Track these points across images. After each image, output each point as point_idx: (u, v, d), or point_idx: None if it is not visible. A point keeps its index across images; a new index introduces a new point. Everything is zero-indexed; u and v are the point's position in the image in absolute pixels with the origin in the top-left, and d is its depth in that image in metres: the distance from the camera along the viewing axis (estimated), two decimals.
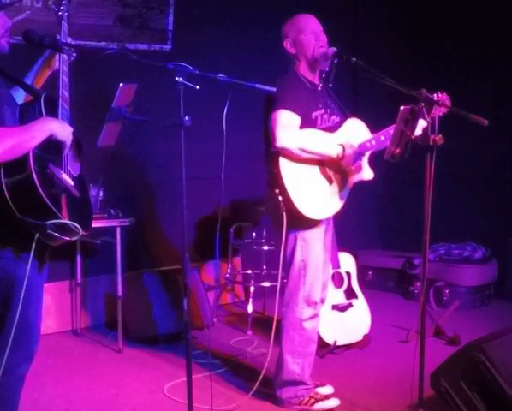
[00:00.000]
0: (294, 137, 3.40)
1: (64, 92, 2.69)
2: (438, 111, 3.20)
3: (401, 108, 3.16)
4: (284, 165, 3.44)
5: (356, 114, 3.75)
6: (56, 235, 2.39)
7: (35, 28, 2.93)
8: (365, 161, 3.60)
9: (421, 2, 6.20)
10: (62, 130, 2.53)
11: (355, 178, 3.59)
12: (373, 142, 3.56)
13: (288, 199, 3.43)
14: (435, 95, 3.33)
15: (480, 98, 5.30)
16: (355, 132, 3.59)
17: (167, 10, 5.13)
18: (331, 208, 3.56)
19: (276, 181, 3.45)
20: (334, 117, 3.62)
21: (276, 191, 3.46)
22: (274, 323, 3.60)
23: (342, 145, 3.48)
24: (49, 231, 2.37)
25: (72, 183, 2.55)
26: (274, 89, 3.16)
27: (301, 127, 3.46)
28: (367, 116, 3.73)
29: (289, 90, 3.39)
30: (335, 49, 3.47)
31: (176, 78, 2.78)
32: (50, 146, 2.47)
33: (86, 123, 4.61)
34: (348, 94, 5.89)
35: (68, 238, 2.45)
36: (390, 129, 3.50)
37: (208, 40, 5.28)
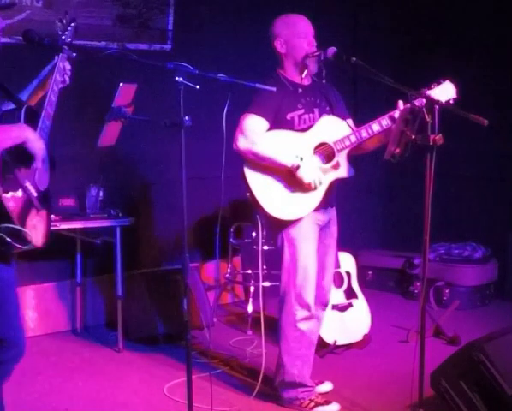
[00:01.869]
0: (250, 142, 3.42)
1: (49, 109, 2.68)
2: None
3: (402, 107, 3.17)
4: (248, 167, 3.48)
5: (356, 113, 3.75)
6: (8, 239, 2.39)
7: (35, 28, 2.94)
8: (342, 158, 3.55)
9: (422, 2, 6.20)
10: (35, 141, 2.51)
11: (331, 176, 3.54)
12: (353, 138, 3.50)
13: (254, 200, 3.48)
14: (434, 84, 3.33)
15: (480, 97, 5.30)
16: (332, 129, 3.54)
17: (167, 10, 5.13)
18: (304, 207, 3.50)
19: (243, 182, 3.49)
20: (325, 115, 3.59)
21: (248, 194, 3.51)
22: (262, 322, 3.61)
23: (301, 158, 3.44)
24: (1, 234, 2.37)
25: (35, 194, 2.54)
26: (274, 89, 3.18)
27: (277, 128, 3.48)
28: (367, 115, 3.71)
29: (262, 94, 3.34)
30: (334, 49, 3.46)
31: (176, 78, 2.78)
32: (21, 154, 2.46)
33: (86, 123, 4.65)
34: (347, 94, 5.88)
35: (19, 246, 2.44)
36: (373, 123, 3.48)
37: (208, 40, 5.28)
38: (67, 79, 2.83)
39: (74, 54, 2.85)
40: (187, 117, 2.80)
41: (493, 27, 5.75)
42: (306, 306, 3.55)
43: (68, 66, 2.83)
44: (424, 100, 3.15)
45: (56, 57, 2.79)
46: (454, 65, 5.62)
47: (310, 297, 3.55)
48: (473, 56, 5.79)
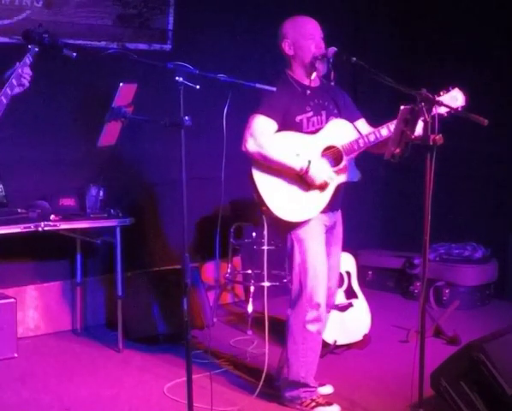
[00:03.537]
0: (259, 144, 3.42)
1: None
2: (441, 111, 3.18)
3: (402, 108, 3.16)
4: (256, 168, 3.48)
5: None
6: None
7: (35, 28, 2.95)
8: (349, 162, 3.54)
9: (422, 2, 6.20)
10: None
11: (339, 179, 3.54)
12: (361, 143, 3.50)
13: (261, 201, 3.48)
14: (444, 91, 3.32)
15: (480, 97, 5.30)
16: (340, 133, 3.54)
17: (167, 10, 5.12)
18: (311, 209, 3.51)
19: (250, 182, 3.50)
20: (332, 118, 3.59)
21: (254, 195, 3.51)
22: (266, 322, 3.64)
23: (309, 161, 3.44)
24: None
25: None
26: (274, 89, 3.18)
27: (285, 130, 3.48)
28: (367, 116, 3.72)
29: (272, 95, 3.31)
30: (335, 49, 3.46)
31: (176, 78, 2.78)
32: None
33: (86, 123, 4.65)
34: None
35: None
36: (381, 128, 3.49)
37: (208, 40, 5.28)
38: (25, 82, 2.94)
39: (74, 54, 2.86)
40: (187, 117, 2.80)
41: (493, 27, 5.76)
42: (317, 307, 3.54)
43: (27, 71, 2.94)
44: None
45: (17, 63, 2.87)
46: (454, 65, 5.66)
47: (321, 297, 3.55)
48: (473, 56, 5.79)
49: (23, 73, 2.90)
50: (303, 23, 3.57)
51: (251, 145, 3.44)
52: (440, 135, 3.07)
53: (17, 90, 2.92)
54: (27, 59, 2.89)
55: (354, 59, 3.37)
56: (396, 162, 3.18)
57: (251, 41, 5.41)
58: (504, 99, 5.68)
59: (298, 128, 3.51)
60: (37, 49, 2.92)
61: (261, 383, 3.65)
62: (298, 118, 3.52)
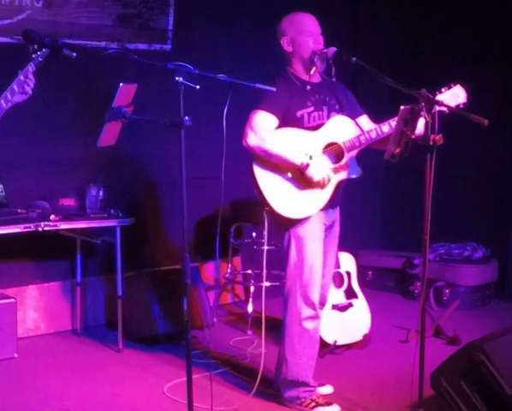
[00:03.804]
0: (260, 138, 3.43)
1: None
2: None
3: (402, 108, 3.16)
4: (257, 164, 3.49)
5: None
6: None
7: (35, 28, 2.95)
8: (351, 159, 3.55)
9: (422, 2, 6.20)
10: None
11: (340, 176, 3.54)
12: (362, 139, 3.50)
13: (262, 197, 3.48)
14: (445, 88, 3.32)
15: (481, 97, 5.30)
16: (341, 129, 3.55)
17: (167, 10, 5.13)
18: (311, 207, 3.51)
19: (252, 179, 3.50)
20: (334, 114, 3.60)
21: (255, 191, 3.51)
22: (263, 322, 3.64)
23: (310, 156, 3.44)
24: None
25: None
26: (274, 89, 3.18)
27: (287, 126, 3.49)
28: (368, 114, 3.72)
29: (272, 92, 3.30)
30: (334, 49, 3.46)
31: (176, 78, 2.79)
32: None
33: (86, 123, 4.65)
34: None
35: None
36: (383, 125, 3.49)
37: (208, 40, 5.28)
38: (28, 90, 2.93)
39: (74, 54, 2.86)
40: (187, 117, 2.80)
41: (493, 27, 5.76)
42: (312, 305, 3.55)
43: (31, 78, 2.93)
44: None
45: (19, 71, 2.86)
46: (454, 65, 5.66)
47: (315, 296, 3.56)
48: (474, 56, 5.79)
49: (26, 79, 2.88)
50: (301, 19, 3.59)
51: (252, 140, 3.44)
52: (440, 135, 3.07)
53: (20, 98, 2.90)
54: (30, 67, 2.87)
55: (354, 59, 3.37)
56: (396, 162, 3.18)
57: (251, 41, 5.41)
58: (504, 99, 5.67)
59: (299, 123, 3.52)
60: (41, 59, 2.91)
61: (257, 383, 3.65)
62: (299, 113, 3.52)
